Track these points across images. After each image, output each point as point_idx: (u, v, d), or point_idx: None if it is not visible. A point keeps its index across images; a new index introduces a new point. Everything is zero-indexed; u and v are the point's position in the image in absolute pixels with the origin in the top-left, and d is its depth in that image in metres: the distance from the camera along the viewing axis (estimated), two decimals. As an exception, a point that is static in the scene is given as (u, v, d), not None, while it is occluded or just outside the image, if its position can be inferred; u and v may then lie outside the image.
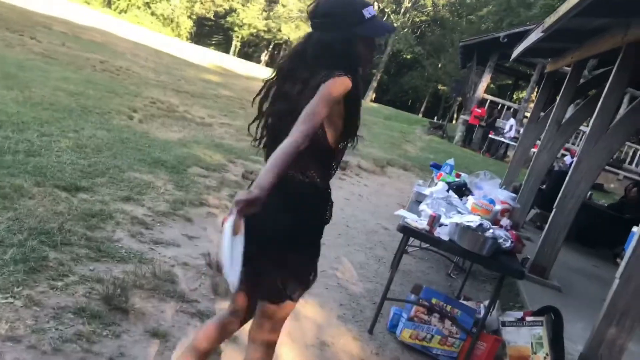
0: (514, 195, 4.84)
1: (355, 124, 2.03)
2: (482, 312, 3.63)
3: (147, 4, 45.99)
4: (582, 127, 11.93)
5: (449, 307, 3.58)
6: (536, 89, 17.36)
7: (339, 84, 1.86)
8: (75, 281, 3.06)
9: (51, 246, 3.34)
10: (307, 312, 3.54)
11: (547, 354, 3.48)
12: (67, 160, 5.01)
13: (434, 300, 3.59)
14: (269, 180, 1.71)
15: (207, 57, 28.85)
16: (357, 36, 1.97)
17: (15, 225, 3.44)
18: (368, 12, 1.97)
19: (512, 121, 18.33)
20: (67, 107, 7.24)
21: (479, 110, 18.96)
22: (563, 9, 4.94)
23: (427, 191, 4.44)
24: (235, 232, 1.70)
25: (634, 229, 6.47)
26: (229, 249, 1.71)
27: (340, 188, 7.42)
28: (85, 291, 2.99)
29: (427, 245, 5.31)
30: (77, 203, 4.14)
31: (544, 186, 8.58)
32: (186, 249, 4.01)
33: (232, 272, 1.74)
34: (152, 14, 46.33)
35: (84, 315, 2.76)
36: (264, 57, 50.54)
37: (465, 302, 3.90)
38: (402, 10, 43.47)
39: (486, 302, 3.68)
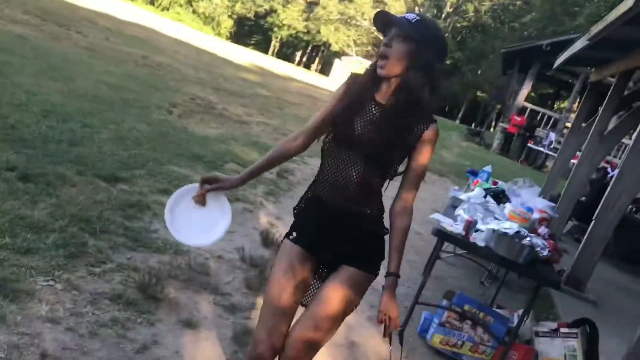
0: (552, 204, 4.75)
1: None
2: (516, 321, 3.57)
3: (189, 2, 46.69)
4: (624, 140, 11.66)
5: (481, 314, 3.53)
6: (578, 99, 17.01)
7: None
8: (113, 268, 3.13)
9: (90, 233, 3.41)
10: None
11: (581, 368, 3.41)
12: (108, 151, 5.12)
13: (466, 307, 3.55)
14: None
15: (246, 56, 29.12)
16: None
17: (58, 211, 3.53)
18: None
19: (552, 135, 17.99)
20: (109, 99, 7.39)
21: (519, 119, 18.67)
22: (611, 17, 4.84)
23: (463, 196, 4.39)
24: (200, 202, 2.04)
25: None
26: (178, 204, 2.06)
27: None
28: (121, 279, 3.05)
29: (461, 251, 5.28)
30: (117, 193, 4.22)
31: (583, 198, 8.41)
32: (221, 242, 4.03)
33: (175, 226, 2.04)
34: (194, 12, 47.01)
35: (120, 302, 2.82)
36: (298, 57, 50.72)
37: (498, 310, 3.84)
38: (444, 16, 43.11)
39: (520, 311, 3.61)
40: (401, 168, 1.96)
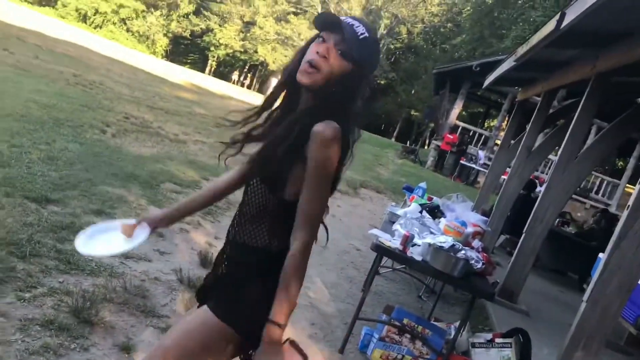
0: (485, 218, 4.92)
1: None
2: (453, 333, 3.66)
3: (123, 21, 45.86)
4: (550, 156, 12.23)
5: (420, 328, 3.60)
6: (507, 118, 17.70)
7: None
8: (44, 293, 3.01)
9: (20, 257, 3.27)
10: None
11: (515, 376, 3.52)
12: (38, 172, 4.94)
13: (405, 321, 3.61)
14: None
15: (182, 75, 28.78)
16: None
17: (-17, 235, 3.37)
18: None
19: (480, 154, 18.66)
20: (39, 119, 7.14)
21: (451, 137, 19.24)
22: (535, 39, 5.10)
23: (400, 211, 4.49)
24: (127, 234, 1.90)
25: (600, 255, 6.61)
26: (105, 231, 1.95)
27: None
28: (53, 303, 2.94)
29: (400, 266, 5.37)
30: (47, 215, 4.07)
31: (509, 213, 8.73)
32: (157, 264, 3.97)
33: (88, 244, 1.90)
34: (128, 30, 46.19)
35: (52, 328, 2.71)
36: (235, 76, 50.59)
37: (436, 323, 3.92)
38: (378, 37, 44.08)
39: (456, 324, 3.71)
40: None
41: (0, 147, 5.29)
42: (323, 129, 1.53)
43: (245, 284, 1.63)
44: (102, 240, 1.92)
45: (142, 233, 1.91)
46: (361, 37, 1.60)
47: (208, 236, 4.97)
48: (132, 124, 9.26)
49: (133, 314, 3.16)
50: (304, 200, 1.55)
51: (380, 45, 1.70)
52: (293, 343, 1.62)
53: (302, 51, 1.64)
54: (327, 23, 1.64)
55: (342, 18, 1.62)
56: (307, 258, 1.56)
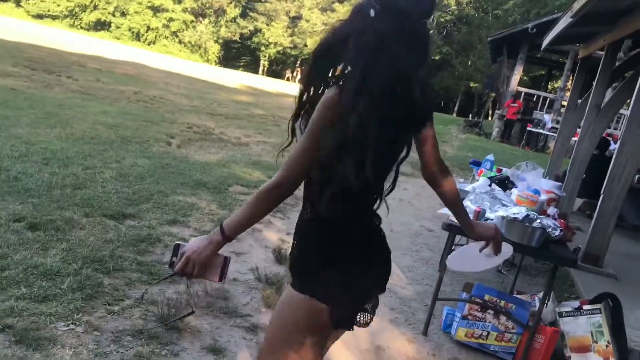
0: (559, 184, 4.75)
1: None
2: (537, 304, 3.56)
3: (174, 33, 47.07)
4: (622, 111, 11.64)
5: (502, 303, 3.52)
6: (571, 77, 17.00)
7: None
8: (131, 305, 3.14)
9: (105, 273, 3.43)
10: (359, 318, 3.53)
11: (608, 342, 3.39)
12: (112, 190, 5.15)
13: (486, 297, 3.54)
14: None
15: (236, 78, 29.25)
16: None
17: (70, 255, 3.55)
18: None
19: (547, 117, 17.99)
20: (107, 139, 7.44)
21: (515, 105, 18.67)
22: (591, -9, 4.86)
23: (469, 187, 4.40)
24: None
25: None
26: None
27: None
28: (141, 314, 3.06)
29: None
30: (126, 230, 4.24)
31: (584, 175, 8.38)
32: (234, 265, 4.06)
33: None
34: (180, 42, 47.38)
35: (142, 337, 2.83)
36: (289, 73, 50.89)
37: (519, 296, 3.83)
38: (426, 13, 43.22)
39: (540, 295, 3.60)
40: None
41: (75, 170, 5.55)
42: (327, 92, 1.54)
43: (307, 255, 1.68)
44: (468, 259, 2.08)
45: (507, 249, 2.03)
46: None
47: (279, 233, 5.04)
48: (195, 132, 9.50)
49: (217, 317, 3.25)
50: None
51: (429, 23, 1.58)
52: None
53: None
54: None
55: None
56: (273, 195, 1.58)
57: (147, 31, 46.48)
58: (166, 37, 46.93)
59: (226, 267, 1.62)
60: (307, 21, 46.13)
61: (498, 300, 3.52)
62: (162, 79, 19.04)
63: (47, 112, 8.57)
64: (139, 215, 4.66)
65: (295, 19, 48.08)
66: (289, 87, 30.15)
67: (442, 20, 43.92)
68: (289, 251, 1.88)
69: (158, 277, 3.55)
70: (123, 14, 46.03)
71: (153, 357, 2.68)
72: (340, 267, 1.62)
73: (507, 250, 2.01)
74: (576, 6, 5.63)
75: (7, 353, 2.46)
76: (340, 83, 1.53)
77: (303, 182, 1.68)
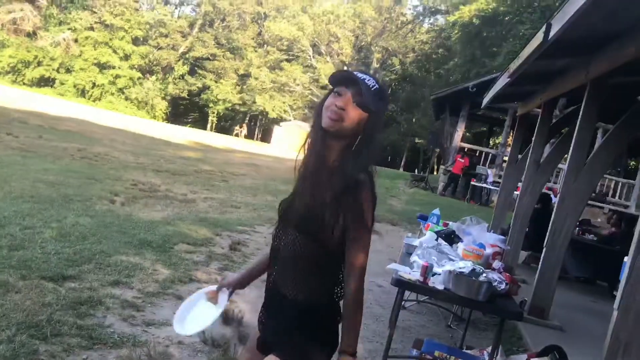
0: (503, 237, 4.85)
1: None
2: (486, 359, 3.56)
3: (121, 90, 46.77)
4: (561, 165, 12.14)
5: (452, 358, 3.51)
6: (511, 133, 17.71)
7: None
8: (68, 373, 2.97)
9: (41, 339, 3.25)
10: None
11: (557, 396, 3.41)
12: (52, 250, 4.95)
13: (436, 353, 3.53)
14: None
15: (184, 134, 29.14)
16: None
17: (3, 321, 3.35)
18: None
19: (489, 172, 18.61)
20: (48, 197, 7.21)
21: (462, 160, 19.24)
22: (525, 53, 5.12)
23: (416, 242, 4.44)
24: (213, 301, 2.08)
25: (625, 259, 6.50)
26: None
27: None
28: (79, 382, 2.90)
29: (424, 297, 5.29)
30: (65, 292, 4.06)
31: (526, 229, 8.63)
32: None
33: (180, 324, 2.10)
34: (126, 98, 47.05)
35: (80, 408, 2.66)
36: (238, 129, 51.11)
37: (468, 351, 3.83)
38: (371, 72, 44.69)
39: (489, 349, 3.61)
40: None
41: (12, 230, 5.32)
42: (365, 179, 1.74)
43: (305, 328, 1.79)
44: (194, 316, 2.11)
45: (224, 296, 2.12)
46: (373, 88, 1.78)
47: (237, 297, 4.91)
48: (140, 190, 9.33)
49: (160, 382, 3.11)
50: (353, 250, 1.74)
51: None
52: None
53: (320, 106, 1.82)
54: (343, 79, 1.80)
55: (355, 73, 1.81)
56: (362, 303, 1.75)
57: (92, 87, 46.04)
58: (112, 94, 46.53)
59: None
60: (256, 79, 46.81)
61: (448, 356, 3.52)
62: (107, 135, 18.77)
63: (-15, 170, 8.27)
64: (79, 276, 4.47)
65: (244, 77, 48.72)
66: (237, 143, 30.22)
67: (387, 78, 45.42)
68: (262, 309, 1.95)
69: (99, 341, 3.39)
70: (68, 70, 45.53)
71: None
72: (332, 339, 1.82)
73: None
74: (512, 66, 5.91)
75: None
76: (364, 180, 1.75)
77: (295, 253, 1.80)
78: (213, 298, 2.13)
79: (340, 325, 1.80)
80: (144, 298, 4.32)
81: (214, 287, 2.17)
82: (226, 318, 4.20)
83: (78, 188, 8.29)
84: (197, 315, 2.10)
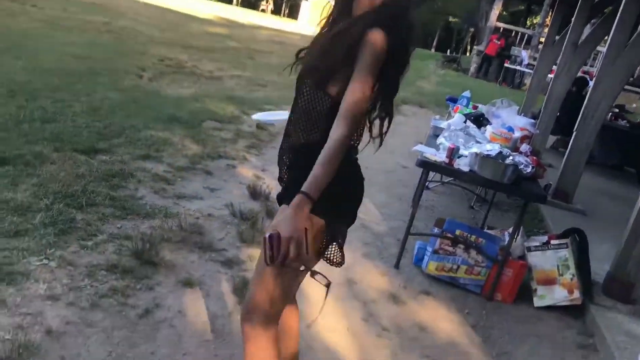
0: (533, 121, 4.79)
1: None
2: (507, 239, 3.65)
3: (145, -39, 45.09)
4: (599, 48, 11.62)
5: (473, 237, 3.60)
6: (550, 13, 16.84)
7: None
8: (104, 240, 3.13)
9: (77, 208, 3.39)
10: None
11: (573, 275, 3.51)
12: (83, 124, 5.04)
13: (457, 232, 3.61)
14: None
15: (210, 9, 28.38)
16: None
17: (40, 190, 3.50)
18: None
19: (524, 54, 17.92)
20: (76, 71, 7.22)
21: (498, 42, 18.53)
22: None
23: (444, 124, 4.40)
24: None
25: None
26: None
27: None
28: (115, 248, 3.06)
29: (449, 179, 5.33)
30: (97, 165, 4.18)
31: (558, 113, 8.45)
32: (209, 201, 4.06)
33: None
34: (151, -30, 45.46)
35: (117, 271, 2.83)
36: (265, 5, 49.47)
37: (489, 231, 3.91)
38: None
39: (510, 230, 3.68)
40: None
41: (43, 103, 5.40)
42: (376, 33, 1.58)
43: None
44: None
45: None
46: None
47: (255, 169, 5.02)
48: (167, 65, 9.27)
49: (192, 251, 3.27)
50: (347, 93, 1.58)
51: None
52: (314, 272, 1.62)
53: None
54: None
55: None
56: (344, 150, 1.57)
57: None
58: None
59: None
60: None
61: (469, 235, 3.60)
62: (132, 8, 18.35)
63: (12, 42, 8.24)
64: (110, 150, 4.58)
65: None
66: (264, 19, 29.39)
67: (422, -49, 42.79)
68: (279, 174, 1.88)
69: (132, 212, 3.54)
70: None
71: (127, 291, 2.70)
72: (338, 186, 1.61)
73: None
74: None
75: (-21, 288, 2.45)
76: (384, 26, 1.60)
77: (305, 104, 1.71)
78: None
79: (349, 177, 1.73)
80: (174, 172, 4.43)
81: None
82: (254, 193, 4.32)
83: (105, 62, 8.27)
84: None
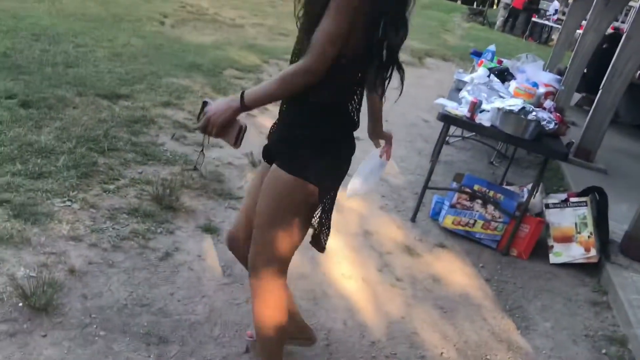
0: (558, 77, 4.69)
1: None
2: (526, 196, 3.63)
3: None
4: (632, 3, 11.24)
5: (491, 193, 3.59)
6: (583, -35, 16.25)
7: None
8: (126, 184, 3.19)
9: (99, 152, 3.45)
10: (349, 204, 3.61)
11: (591, 233, 3.50)
12: (105, 69, 5.06)
13: (476, 187, 3.60)
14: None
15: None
16: None
17: (64, 134, 3.55)
18: None
19: (555, 4, 17.38)
20: (98, 16, 7.20)
21: (525, -6, 17.99)
22: None
23: (467, 78, 4.34)
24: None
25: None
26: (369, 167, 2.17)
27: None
28: (136, 193, 3.12)
29: (469, 134, 5.29)
30: (119, 110, 4.21)
31: (585, 70, 8.25)
32: (229, 149, 4.06)
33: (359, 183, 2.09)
34: None
35: (138, 215, 2.89)
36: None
37: (508, 187, 3.90)
38: None
39: (529, 186, 3.67)
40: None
41: (66, 48, 5.41)
42: None
43: (300, 137, 1.67)
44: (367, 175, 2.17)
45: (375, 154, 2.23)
46: None
47: (274, 118, 5.00)
48: (189, 12, 9.19)
49: (211, 198, 3.31)
50: (318, 28, 1.50)
51: None
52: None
53: None
54: None
55: None
56: (300, 80, 1.53)
57: None
58: None
59: (241, 134, 1.63)
60: None
61: (487, 191, 3.59)
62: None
63: (35, -15, 8.21)
64: (132, 96, 4.60)
65: None
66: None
67: None
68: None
69: (153, 158, 3.58)
70: None
71: (148, 234, 2.76)
72: (332, 149, 1.66)
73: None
74: None
75: (6, 226, 2.52)
76: None
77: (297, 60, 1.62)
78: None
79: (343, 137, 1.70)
80: (194, 120, 4.45)
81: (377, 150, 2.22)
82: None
83: (127, 8, 8.22)
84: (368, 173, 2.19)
